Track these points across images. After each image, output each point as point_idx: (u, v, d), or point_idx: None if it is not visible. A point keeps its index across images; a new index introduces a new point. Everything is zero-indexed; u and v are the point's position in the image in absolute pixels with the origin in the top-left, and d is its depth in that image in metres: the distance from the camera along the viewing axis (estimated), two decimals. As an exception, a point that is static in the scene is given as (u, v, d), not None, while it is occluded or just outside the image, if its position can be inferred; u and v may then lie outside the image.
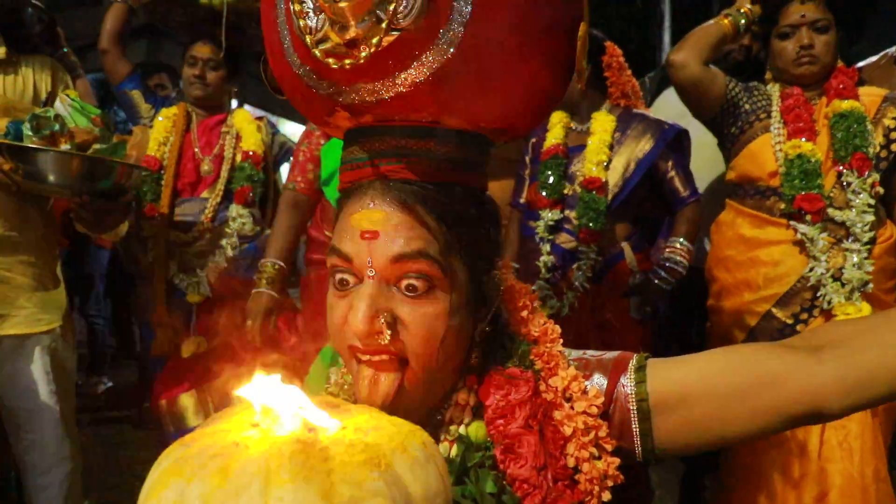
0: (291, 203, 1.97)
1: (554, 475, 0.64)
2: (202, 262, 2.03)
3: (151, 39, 12.39)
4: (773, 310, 1.68)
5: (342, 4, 0.59)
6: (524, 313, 0.75)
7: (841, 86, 1.76)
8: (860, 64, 2.31)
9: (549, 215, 1.90)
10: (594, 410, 0.66)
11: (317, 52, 0.62)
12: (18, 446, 1.74)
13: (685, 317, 2.48)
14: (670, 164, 1.93)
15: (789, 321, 1.66)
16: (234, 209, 2.07)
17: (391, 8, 0.59)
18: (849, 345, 0.63)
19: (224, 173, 2.09)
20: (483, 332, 0.71)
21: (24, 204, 1.70)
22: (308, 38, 0.63)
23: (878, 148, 1.68)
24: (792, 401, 0.62)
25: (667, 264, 1.90)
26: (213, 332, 2.01)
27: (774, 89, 1.87)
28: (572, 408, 0.66)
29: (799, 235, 1.65)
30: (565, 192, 1.94)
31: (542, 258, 1.90)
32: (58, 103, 1.67)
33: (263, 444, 0.46)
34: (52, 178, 1.57)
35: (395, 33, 0.60)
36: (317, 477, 0.42)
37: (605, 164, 1.93)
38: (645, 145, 1.93)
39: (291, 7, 0.63)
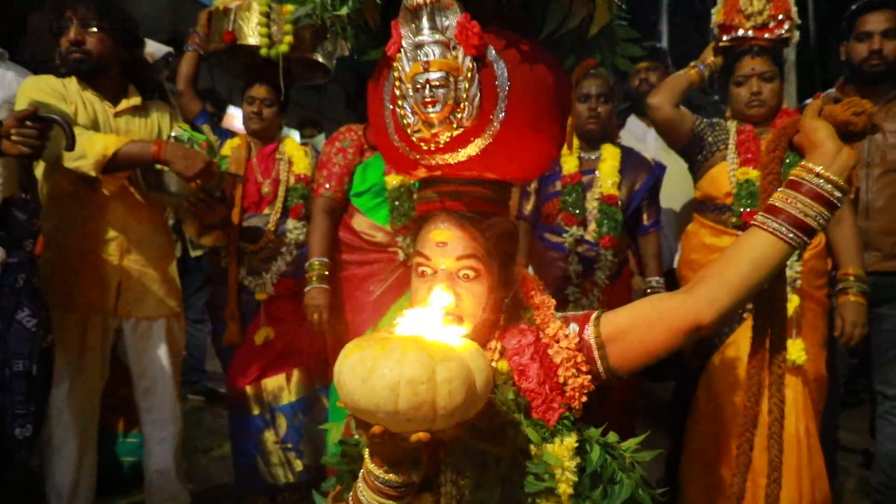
0: (328, 209, 2.39)
1: (550, 387, 1.06)
2: (266, 267, 2.47)
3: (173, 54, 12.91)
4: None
5: (430, 113, 1.03)
6: (532, 292, 1.18)
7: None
8: (807, 101, 2.75)
9: (575, 231, 2.34)
10: (572, 346, 1.08)
11: (413, 137, 1.06)
12: (143, 406, 2.20)
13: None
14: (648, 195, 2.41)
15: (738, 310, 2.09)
16: (291, 223, 2.50)
17: (459, 116, 1.03)
18: (706, 277, 1.05)
19: (281, 193, 2.53)
20: (507, 303, 1.13)
21: (152, 214, 2.15)
22: (408, 129, 1.06)
23: (809, 175, 2.12)
24: (680, 321, 1.04)
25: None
26: (277, 324, 2.45)
27: (732, 125, 2.31)
28: (559, 346, 1.08)
29: (746, 243, 2.09)
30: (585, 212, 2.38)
31: (572, 268, 2.34)
32: (175, 132, 2.12)
33: (402, 337, 0.88)
34: (173, 188, 2.03)
35: (460, 129, 1.04)
36: (427, 352, 0.82)
37: (618, 184, 2.38)
38: (641, 178, 2.40)
39: (397, 110, 1.07)
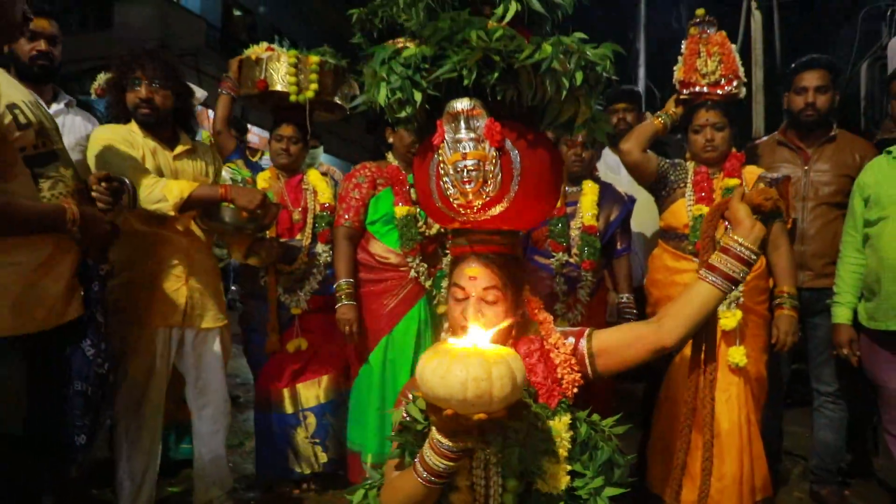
0: (348, 236, 2.81)
1: (551, 381, 1.50)
2: (300, 285, 2.88)
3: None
4: (684, 315, 2.57)
5: (467, 188, 1.46)
6: (535, 310, 1.61)
7: (731, 167, 2.66)
8: (757, 141, 3.23)
9: (561, 256, 2.77)
10: (568, 352, 1.52)
11: (453, 203, 1.49)
12: (197, 403, 2.58)
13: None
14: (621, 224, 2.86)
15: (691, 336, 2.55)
16: (319, 246, 2.92)
17: (486, 189, 1.46)
18: (668, 314, 1.50)
19: (310, 220, 2.93)
20: (518, 319, 1.56)
21: (206, 242, 2.55)
22: (449, 197, 1.50)
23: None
24: (650, 344, 1.49)
25: (625, 315, 2.87)
26: (309, 335, 2.86)
27: (690, 166, 2.76)
28: (559, 351, 1.52)
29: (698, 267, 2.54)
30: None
31: (558, 287, 2.77)
32: (225, 173, 2.52)
33: (467, 348, 1.24)
34: (227, 219, 2.42)
35: (487, 198, 1.48)
36: (484, 358, 1.18)
37: (596, 216, 2.82)
38: (616, 210, 2.85)
39: (441, 183, 1.51)
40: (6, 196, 1.66)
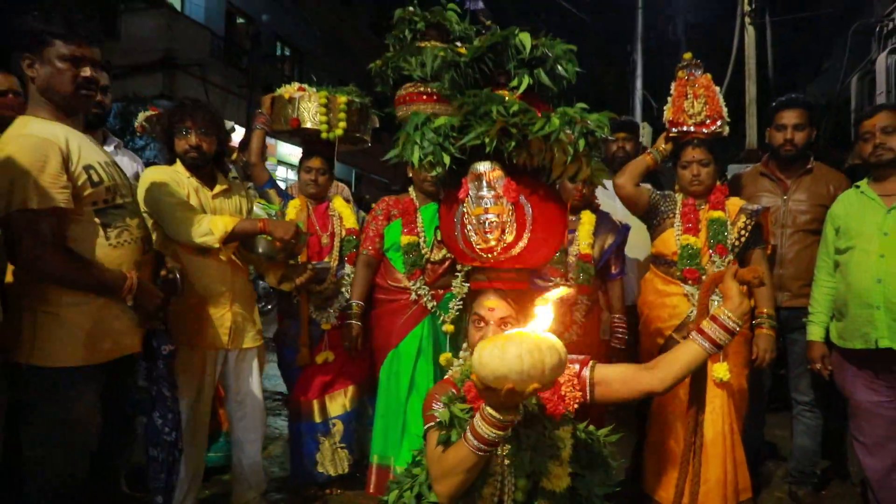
0: (366, 263, 3.13)
1: (557, 397, 1.80)
2: (329, 303, 3.18)
3: (166, 73, 13.42)
4: (673, 334, 2.88)
5: (488, 236, 1.76)
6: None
7: (716, 200, 2.96)
8: (741, 172, 3.54)
9: (558, 281, 3.05)
10: (572, 374, 1.82)
11: (476, 248, 1.80)
12: (237, 415, 2.87)
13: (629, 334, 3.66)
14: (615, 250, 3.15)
15: (680, 340, 2.83)
16: (347, 268, 3.22)
17: (504, 237, 1.77)
18: (661, 364, 1.80)
19: (337, 244, 3.24)
20: None
21: (245, 271, 2.84)
22: (473, 242, 1.80)
23: (733, 239, 2.88)
24: (642, 387, 1.80)
25: (617, 334, 3.15)
26: (337, 349, 3.16)
27: (678, 198, 3.06)
28: (564, 373, 1.82)
29: (686, 291, 2.85)
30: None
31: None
32: (257, 208, 2.82)
33: (517, 332, 1.49)
34: (261, 249, 2.72)
35: (504, 244, 1.78)
36: (533, 337, 1.42)
37: (591, 244, 3.10)
38: (611, 238, 3.13)
39: (465, 230, 1.81)
40: (83, 262, 1.98)
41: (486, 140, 1.76)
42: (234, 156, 3.89)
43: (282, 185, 3.44)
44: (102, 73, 2.16)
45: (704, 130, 3.02)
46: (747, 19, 9.08)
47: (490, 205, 1.78)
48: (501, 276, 1.87)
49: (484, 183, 1.80)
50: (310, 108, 3.17)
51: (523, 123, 1.75)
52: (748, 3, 8.94)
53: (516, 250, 1.82)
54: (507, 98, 1.83)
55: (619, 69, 13.92)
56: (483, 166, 1.81)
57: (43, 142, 1.94)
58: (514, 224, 1.80)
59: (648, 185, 3.69)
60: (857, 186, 2.90)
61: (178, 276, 2.38)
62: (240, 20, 17.48)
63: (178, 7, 15.01)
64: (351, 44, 20.78)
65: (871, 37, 8.44)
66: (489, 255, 1.82)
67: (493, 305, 1.82)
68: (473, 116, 1.79)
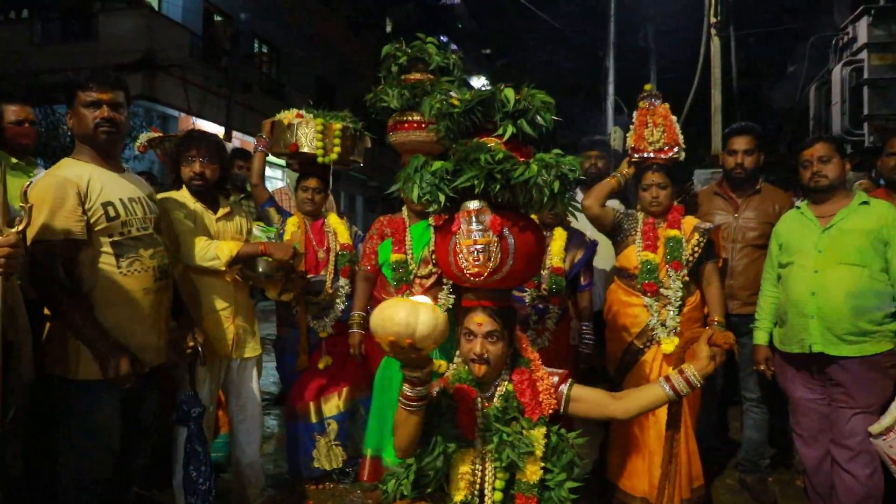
0: (364, 278, 3.42)
1: (534, 402, 2.13)
2: (326, 312, 3.49)
3: (146, 73, 13.51)
4: (635, 341, 3.23)
5: (476, 263, 2.10)
6: (525, 345, 2.26)
7: (672, 219, 3.30)
8: (700, 190, 3.90)
9: (532, 292, 3.39)
10: (550, 385, 2.16)
11: (465, 272, 2.14)
12: (237, 418, 3.16)
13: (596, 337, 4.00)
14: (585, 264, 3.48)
15: (641, 346, 3.20)
16: (342, 280, 3.53)
17: (490, 264, 2.11)
18: (628, 397, 2.18)
19: (332, 258, 3.54)
20: (510, 354, 2.20)
21: (245, 288, 3.13)
22: (463, 268, 2.13)
23: (688, 255, 3.23)
24: (609, 412, 2.18)
25: (585, 340, 3.47)
26: (334, 354, 3.46)
27: (640, 217, 3.40)
28: (543, 382, 2.16)
29: (646, 302, 3.20)
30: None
31: (532, 317, 3.35)
32: (256, 231, 3.12)
33: (403, 299, 2.02)
34: (261, 269, 3.02)
35: (490, 269, 2.12)
36: (411, 303, 1.83)
37: (563, 258, 3.43)
38: (580, 253, 3.46)
39: (457, 257, 2.14)
40: (88, 315, 2.25)
41: (476, 182, 2.09)
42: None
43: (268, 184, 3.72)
44: (122, 110, 2.44)
45: (663, 156, 3.36)
46: (713, 30, 9.49)
47: (478, 237, 2.12)
48: (488, 296, 2.21)
49: (473, 218, 2.14)
50: (307, 133, 3.46)
51: (506, 170, 2.08)
52: (714, 16, 9.34)
53: (500, 275, 2.15)
54: (493, 146, 2.16)
55: (592, 74, 14.35)
56: (473, 204, 2.16)
57: (65, 181, 2.27)
58: (500, 253, 2.13)
59: (616, 203, 4.04)
60: (798, 208, 3.26)
61: (199, 348, 2.70)
62: (217, 18, 17.54)
63: (156, 6, 15.07)
64: (330, 42, 20.94)
65: (828, 49, 8.91)
66: (477, 279, 2.14)
67: (480, 321, 2.15)
68: (465, 162, 2.11)
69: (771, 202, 3.61)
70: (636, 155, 3.40)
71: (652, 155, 3.36)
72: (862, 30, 7.69)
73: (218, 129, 14.02)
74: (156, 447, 3.35)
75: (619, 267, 3.41)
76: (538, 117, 2.24)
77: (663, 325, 3.16)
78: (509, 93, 2.20)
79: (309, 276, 3.45)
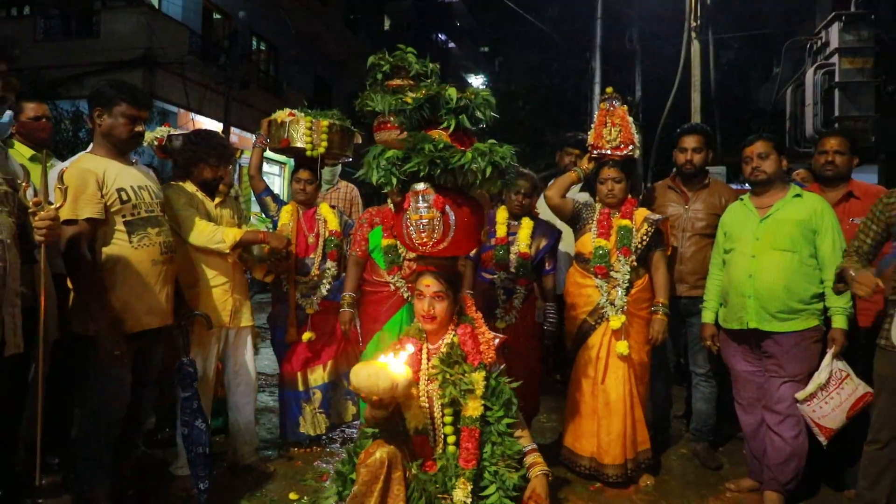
0: (355, 262, 3.78)
1: (475, 351, 2.57)
2: (314, 291, 3.85)
3: (146, 70, 13.83)
4: (587, 318, 3.60)
5: (423, 234, 2.54)
6: (470, 307, 2.69)
7: (626, 210, 3.67)
8: (656, 184, 4.27)
9: (502, 274, 3.76)
10: (490, 338, 2.60)
11: (415, 241, 2.59)
12: (234, 382, 3.54)
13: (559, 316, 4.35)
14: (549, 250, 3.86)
15: (593, 322, 3.57)
16: (329, 263, 3.90)
17: (434, 236, 2.55)
18: None
19: (321, 243, 3.90)
20: (455, 312, 2.63)
21: (241, 267, 3.51)
22: (413, 238, 2.57)
23: (637, 243, 3.60)
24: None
25: (549, 318, 3.85)
26: (319, 330, 3.83)
27: (596, 207, 3.75)
28: (483, 337, 2.60)
29: (597, 283, 3.57)
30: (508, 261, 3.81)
31: (500, 297, 3.75)
32: (253, 220, 3.49)
33: (373, 362, 2.35)
34: (256, 253, 3.39)
35: (434, 241, 2.56)
36: (376, 370, 2.31)
37: (529, 245, 3.80)
38: (545, 240, 3.84)
39: (409, 229, 2.58)
40: (94, 284, 2.64)
41: (421, 168, 2.51)
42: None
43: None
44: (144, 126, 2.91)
45: (619, 153, 3.70)
46: (693, 34, 9.86)
47: (424, 213, 2.56)
48: (435, 262, 2.66)
49: (420, 197, 2.57)
50: (298, 129, 3.82)
51: (446, 157, 2.50)
52: (694, 20, 9.71)
53: (444, 244, 2.59)
54: (437, 137, 2.58)
55: (580, 75, 14.71)
56: (419, 186, 2.59)
57: (86, 172, 2.70)
58: (442, 226, 2.57)
59: (586, 196, 4.39)
60: (742, 199, 3.62)
61: (193, 369, 3.10)
62: (216, 17, 17.86)
63: (156, 4, 15.40)
64: (325, 40, 21.27)
65: (804, 52, 9.28)
66: (425, 248, 2.60)
67: (428, 283, 2.60)
68: (412, 151, 2.54)
69: (718, 195, 3.98)
70: (595, 151, 3.76)
71: (609, 152, 3.71)
72: (834, 35, 8.05)
73: (216, 125, 14.36)
74: (159, 413, 3.75)
75: (577, 252, 3.78)
76: (478, 112, 2.67)
77: (612, 304, 3.53)
78: (452, 92, 2.64)
79: (300, 258, 3.83)
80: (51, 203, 2.38)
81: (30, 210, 2.32)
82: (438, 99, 2.63)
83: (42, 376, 2.38)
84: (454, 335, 2.65)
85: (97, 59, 13.52)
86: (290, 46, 20.02)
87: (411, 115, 2.66)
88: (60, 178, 2.42)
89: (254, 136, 4.07)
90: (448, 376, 2.51)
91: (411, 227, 2.58)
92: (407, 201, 2.61)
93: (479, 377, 2.53)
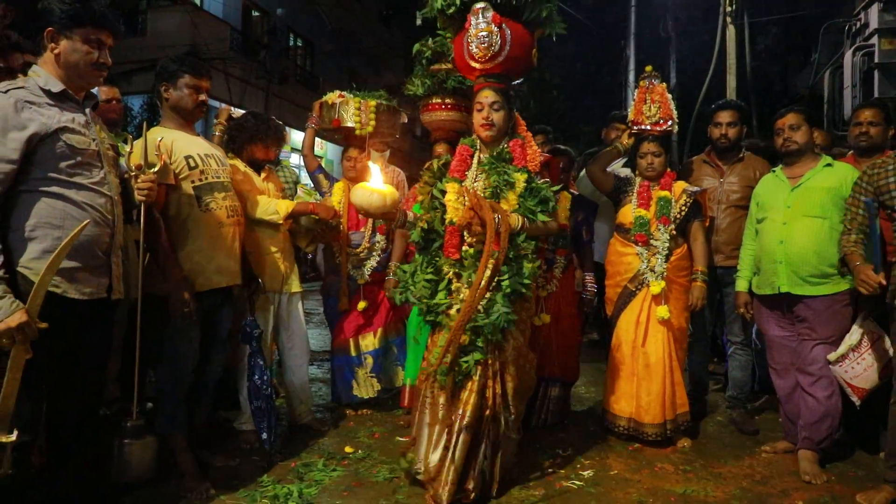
0: (401, 234, 3.98)
1: (525, 158, 3.08)
2: (364, 262, 4.08)
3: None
4: (628, 284, 3.77)
5: (483, 46, 2.94)
6: (521, 125, 3.19)
7: (665, 183, 3.82)
8: (691, 158, 4.40)
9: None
10: (538, 152, 3.08)
11: (475, 55, 3.00)
12: (287, 346, 3.77)
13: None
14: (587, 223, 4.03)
15: (633, 289, 3.74)
16: (378, 236, 4.11)
17: (492, 49, 2.93)
18: None
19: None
20: (511, 125, 3.11)
21: (291, 237, 3.74)
22: (473, 53, 2.97)
23: (675, 213, 3.75)
24: None
25: (587, 287, 4.01)
26: (370, 299, 4.06)
27: (637, 181, 3.92)
28: (532, 148, 3.08)
29: (637, 251, 3.73)
30: None
31: (542, 267, 3.80)
32: (300, 192, 3.72)
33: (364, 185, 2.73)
34: (303, 223, 3.62)
35: (492, 53, 2.95)
36: (368, 188, 2.71)
37: (567, 218, 3.96)
38: (581, 214, 4.03)
39: (469, 46, 2.98)
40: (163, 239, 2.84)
41: None
42: None
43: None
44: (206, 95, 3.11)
45: (658, 129, 3.87)
46: (728, 19, 9.86)
47: (483, 27, 2.91)
48: (491, 79, 3.01)
49: (480, 14, 2.93)
50: (348, 110, 4.05)
51: None
52: (729, 4, 9.71)
53: (500, 58, 2.95)
54: None
55: (613, 63, 14.72)
56: (479, 4, 2.94)
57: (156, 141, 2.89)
58: (499, 41, 2.90)
59: (628, 171, 4.54)
60: (774, 171, 3.74)
61: (257, 327, 3.35)
62: (255, 14, 18.27)
63: (199, 3, 15.83)
64: (360, 36, 21.57)
65: (842, 35, 9.21)
66: (484, 59, 2.95)
67: (486, 94, 2.96)
68: None
69: (752, 169, 4.09)
70: (635, 127, 3.92)
71: (648, 127, 3.87)
72: (873, 16, 8.01)
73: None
74: (223, 378, 3.99)
75: (618, 223, 3.94)
76: None
77: (652, 270, 3.69)
78: None
79: (352, 231, 4.05)
80: (151, 166, 2.65)
81: (132, 173, 2.57)
82: None
83: (139, 326, 2.62)
84: (506, 145, 3.00)
85: (144, 56, 13.95)
86: (326, 42, 20.34)
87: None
88: (158, 146, 2.65)
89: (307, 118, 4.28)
90: (493, 168, 2.92)
91: (472, 43, 2.94)
92: (468, 21, 2.96)
93: (520, 177, 2.87)
